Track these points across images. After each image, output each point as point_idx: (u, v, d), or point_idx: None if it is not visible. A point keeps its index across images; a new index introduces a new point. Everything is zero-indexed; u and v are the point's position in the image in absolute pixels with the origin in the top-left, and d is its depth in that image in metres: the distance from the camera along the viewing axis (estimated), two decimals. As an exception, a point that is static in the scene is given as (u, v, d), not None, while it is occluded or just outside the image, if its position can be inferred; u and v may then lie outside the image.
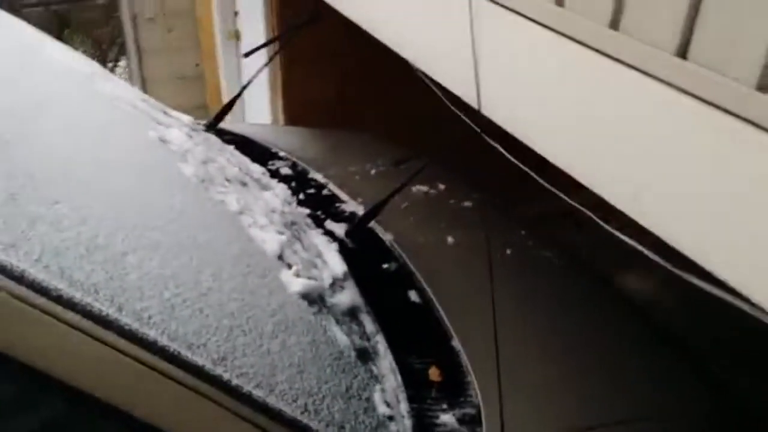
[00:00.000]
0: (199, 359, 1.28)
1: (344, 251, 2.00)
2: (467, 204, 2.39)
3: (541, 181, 1.41)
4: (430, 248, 2.15)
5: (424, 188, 2.42)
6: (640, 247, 1.23)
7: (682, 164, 1.02)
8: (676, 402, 1.82)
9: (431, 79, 1.68)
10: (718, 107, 0.99)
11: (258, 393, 1.32)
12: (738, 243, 0.93)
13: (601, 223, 1.32)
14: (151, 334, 1.24)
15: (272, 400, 1.34)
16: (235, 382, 1.31)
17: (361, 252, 2.06)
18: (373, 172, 2.55)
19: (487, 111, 1.36)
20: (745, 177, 0.94)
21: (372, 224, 2.17)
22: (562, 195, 1.38)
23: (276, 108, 3.68)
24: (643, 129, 1.09)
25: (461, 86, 1.45)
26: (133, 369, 1.21)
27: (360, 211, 2.24)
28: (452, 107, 1.70)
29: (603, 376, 1.83)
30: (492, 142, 1.44)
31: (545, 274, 2.16)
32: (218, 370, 1.30)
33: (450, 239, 2.20)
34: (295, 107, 3.69)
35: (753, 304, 0.96)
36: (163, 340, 1.25)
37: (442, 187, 2.45)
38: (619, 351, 1.94)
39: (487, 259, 2.11)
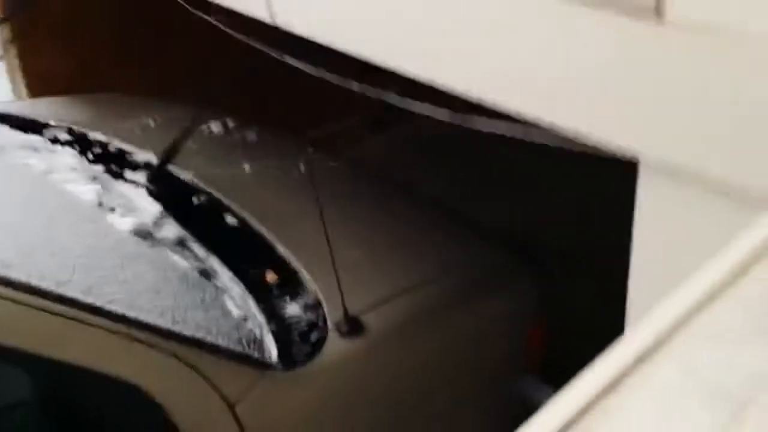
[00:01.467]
0: (71, 293, 1.35)
1: (152, 194, 2.09)
2: (253, 136, 2.55)
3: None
4: (230, 178, 2.30)
5: (211, 127, 2.54)
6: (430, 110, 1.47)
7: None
8: (472, 255, 2.16)
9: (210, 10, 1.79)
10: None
11: (131, 313, 1.43)
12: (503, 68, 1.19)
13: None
14: (21, 276, 1.29)
15: (145, 317, 1.45)
16: (107, 307, 1.40)
17: (168, 192, 2.15)
18: (152, 124, 2.61)
19: (282, 22, 1.52)
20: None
21: (169, 168, 2.26)
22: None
23: (18, 86, 3.52)
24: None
25: (249, 3, 1.58)
26: (9, 309, 1.26)
27: (153, 159, 2.32)
28: (233, 33, 1.83)
29: (411, 250, 2.13)
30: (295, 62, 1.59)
31: (337, 179, 2.40)
32: (90, 299, 1.38)
33: (246, 167, 2.35)
34: (37, 82, 3.54)
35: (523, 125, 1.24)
36: (33, 281, 1.31)
37: (229, 122, 2.58)
38: (410, 229, 2.24)
39: (286, 176, 2.32)
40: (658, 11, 1.00)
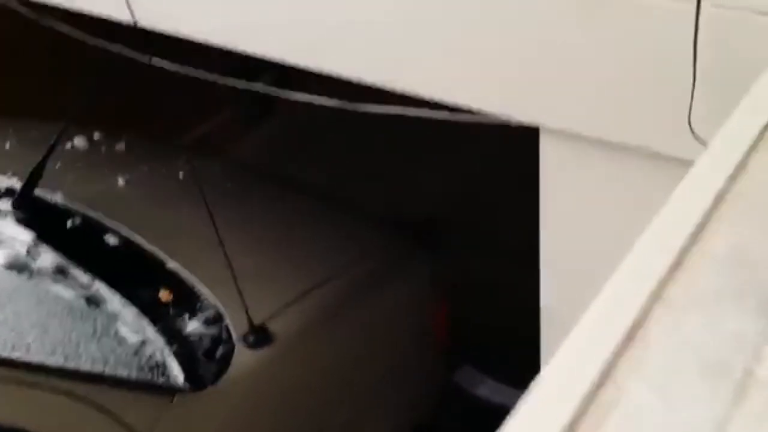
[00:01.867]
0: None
1: (22, 222, 1.92)
2: (122, 146, 2.40)
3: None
4: (105, 194, 2.15)
5: (75, 142, 2.37)
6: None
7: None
8: (367, 245, 2.12)
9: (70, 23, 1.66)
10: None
11: (16, 355, 1.30)
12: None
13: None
14: None
15: (32, 358, 1.33)
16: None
17: (39, 218, 1.99)
18: (7, 146, 2.41)
19: (145, 22, 1.42)
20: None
21: (37, 192, 2.09)
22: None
23: None
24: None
25: (110, 7, 1.47)
26: None
27: (16, 183, 2.14)
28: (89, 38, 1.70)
29: (305, 249, 2.06)
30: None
31: (219, 182, 2.29)
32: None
33: (120, 181, 2.21)
34: None
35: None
36: None
37: (95, 135, 2.41)
38: (301, 226, 2.18)
39: (164, 185, 2.20)
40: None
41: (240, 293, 1.66)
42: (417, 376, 2.14)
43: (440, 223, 2.71)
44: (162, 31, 1.42)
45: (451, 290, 2.22)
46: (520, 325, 1.59)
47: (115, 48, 1.62)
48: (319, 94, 1.46)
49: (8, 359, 1.28)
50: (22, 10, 1.81)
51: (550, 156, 1.05)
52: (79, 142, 2.43)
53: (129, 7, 1.37)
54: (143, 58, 1.55)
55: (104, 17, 1.55)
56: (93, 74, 2.15)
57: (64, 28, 1.88)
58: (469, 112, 1.09)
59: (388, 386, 2.03)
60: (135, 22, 1.42)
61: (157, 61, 1.65)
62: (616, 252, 1.09)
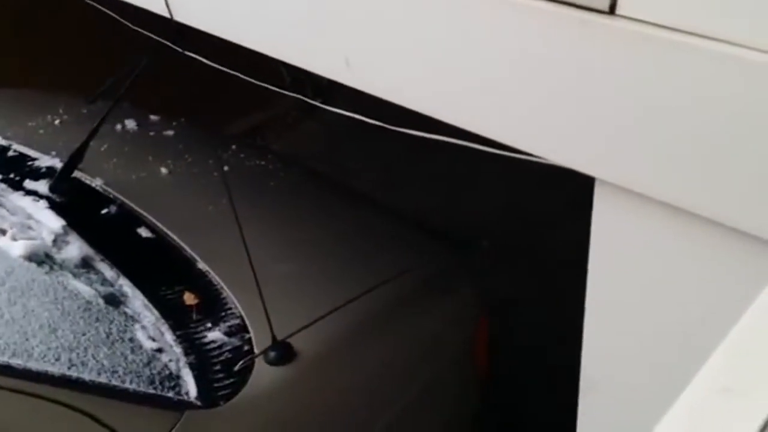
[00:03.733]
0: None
1: (55, 207, 1.87)
2: (170, 132, 2.33)
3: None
4: (145, 183, 2.08)
5: (122, 125, 2.31)
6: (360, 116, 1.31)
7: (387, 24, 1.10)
8: (409, 259, 2.00)
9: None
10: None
11: (17, 361, 1.23)
12: (451, 84, 1.04)
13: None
14: None
15: (34, 365, 1.26)
16: (-15, 357, 1.20)
17: (74, 203, 1.94)
18: (57, 122, 2.37)
19: (181, 16, 1.33)
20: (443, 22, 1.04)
21: (76, 174, 2.04)
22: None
23: None
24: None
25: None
26: None
27: (57, 164, 2.09)
28: (133, 27, 1.63)
29: (344, 257, 1.95)
30: (195, 56, 1.42)
31: (265, 179, 2.21)
32: (-36, 350, 1.18)
33: (163, 170, 2.14)
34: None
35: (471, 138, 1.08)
36: None
37: (140, 120, 2.35)
38: (352, 230, 2.07)
39: (207, 179, 2.12)
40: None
41: (263, 303, 1.56)
42: (452, 400, 2.02)
43: (488, 243, 2.57)
44: (198, 26, 1.32)
45: (493, 311, 2.09)
46: (559, 351, 1.47)
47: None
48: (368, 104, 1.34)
49: (6, 366, 1.20)
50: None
51: (605, 212, 0.91)
52: (130, 124, 2.38)
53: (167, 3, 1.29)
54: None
55: (141, 6, 1.46)
56: (148, 56, 2.08)
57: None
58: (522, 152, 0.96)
59: (420, 411, 1.91)
60: (172, 16, 1.33)
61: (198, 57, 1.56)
62: (669, 335, 0.95)
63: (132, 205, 1.97)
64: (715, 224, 0.80)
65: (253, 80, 1.57)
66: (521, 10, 0.88)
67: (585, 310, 1.01)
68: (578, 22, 0.85)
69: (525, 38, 0.90)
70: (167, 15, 1.34)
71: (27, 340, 1.30)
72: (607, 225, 0.93)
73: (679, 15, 0.82)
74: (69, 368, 1.30)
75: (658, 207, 0.84)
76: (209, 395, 1.49)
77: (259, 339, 1.62)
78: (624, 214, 0.89)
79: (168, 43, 1.44)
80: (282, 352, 1.59)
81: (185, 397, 1.46)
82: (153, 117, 2.43)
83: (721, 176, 0.78)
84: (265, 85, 1.59)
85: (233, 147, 2.32)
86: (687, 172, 0.80)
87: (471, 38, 0.96)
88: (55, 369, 1.28)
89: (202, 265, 1.81)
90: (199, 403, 1.46)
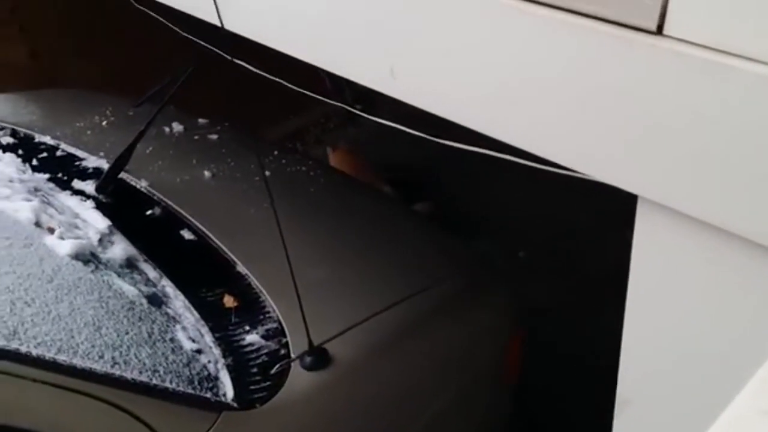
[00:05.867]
0: (-11, 340, 1.19)
1: (101, 207, 1.91)
2: (214, 136, 2.37)
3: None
4: (189, 186, 2.12)
5: (168, 128, 2.36)
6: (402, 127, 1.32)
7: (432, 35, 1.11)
8: (446, 268, 2.01)
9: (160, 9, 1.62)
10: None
11: (62, 357, 1.26)
12: (493, 97, 1.05)
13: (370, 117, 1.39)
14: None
15: (79, 362, 1.29)
16: (35, 352, 1.24)
17: (120, 204, 1.98)
18: (104, 123, 2.42)
19: (231, 25, 1.36)
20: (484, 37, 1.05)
21: (122, 175, 2.08)
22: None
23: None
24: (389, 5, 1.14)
25: (198, 6, 1.42)
26: None
27: (104, 165, 2.14)
28: (183, 33, 1.66)
29: (382, 264, 1.97)
30: (244, 64, 1.44)
31: (306, 185, 2.23)
32: (14, 345, 1.22)
33: (207, 173, 2.18)
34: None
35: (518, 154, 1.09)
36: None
37: (186, 123, 2.40)
38: (389, 237, 2.08)
39: (250, 182, 2.15)
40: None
41: (301, 308, 1.58)
42: (483, 409, 2.02)
43: (525, 253, 2.56)
44: (248, 36, 1.35)
45: (528, 321, 2.09)
46: (594, 361, 1.46)
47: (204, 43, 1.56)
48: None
49: (52, 362, 1.24)
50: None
51: (647, 231, 0.91)
52: (177, 127, 2.42)
53: (217, 8, 1.31)
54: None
55: (194, 15, 1.49)
56: (195, 62, 2.12)
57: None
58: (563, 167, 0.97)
59: (451, 418, 1.92)
60: (222, 25, 1.36)
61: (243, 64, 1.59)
62: (708, 355, 0.95)
63: (175, 207, 2.01)
64: (760, 247, 0.79)
65: (295, 87, 1.60)
66: (570, 28, 0.89)
67: (623, 328, 1.01)
68: (626, 41, 0.86)
69: (573, 57, 0.91)
70: (218, 24, 1.37)
71: (72, 337, 1.33)
72: (649, 243, 0.93)
73: (728, 36, 0.83)
74: (112, 366, 1.33)
75: (701, 227, 0.84)
76: (246, 397, 1.51)
77: (295, 343, 1.64)
78: (667, 233, 0.89)
79: (218, 50, 1.47)
80: (318, 358, 1.61)
81: (222, 399, 1.48)
82: (201, 120, 2.47)
83: (759, 194, 0.78)
84: (307, 92, 1.61)
85: (275, 152, 2.35)
86: (734, 194, 0.80)
87: (520, 56, 0.97)
88: (98, 366, 1.31)
89: (241, 268, 1.84)
90: (235, 405, 1.49)
